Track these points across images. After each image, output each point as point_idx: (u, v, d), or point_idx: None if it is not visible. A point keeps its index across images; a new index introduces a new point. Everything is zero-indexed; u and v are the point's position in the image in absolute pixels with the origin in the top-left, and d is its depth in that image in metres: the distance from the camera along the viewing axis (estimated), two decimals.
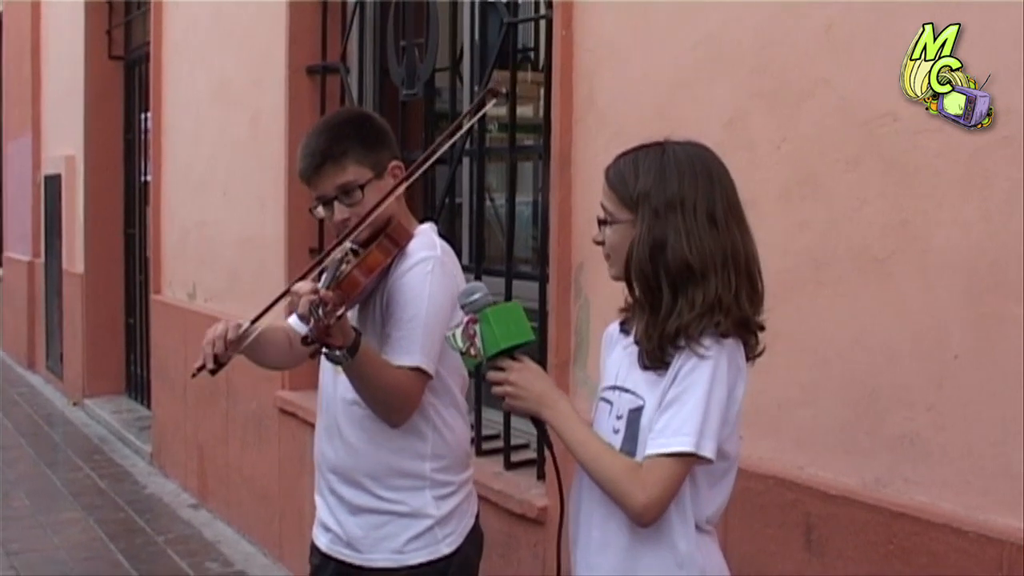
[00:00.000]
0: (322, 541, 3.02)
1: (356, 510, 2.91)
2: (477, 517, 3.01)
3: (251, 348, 2.84)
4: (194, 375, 2.81)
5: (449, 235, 4.95)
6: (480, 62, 4.70)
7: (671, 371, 2.22)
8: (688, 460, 2.19)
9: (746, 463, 3.07)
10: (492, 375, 2.33)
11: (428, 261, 2.80)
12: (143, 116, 9.41)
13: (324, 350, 2.58)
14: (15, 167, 13.72)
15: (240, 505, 6.76)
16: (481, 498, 4.06)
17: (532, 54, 5.07)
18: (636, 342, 2.32)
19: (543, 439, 2.34)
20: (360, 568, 2.91)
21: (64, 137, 11.18)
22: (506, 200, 4.49)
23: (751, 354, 2.31)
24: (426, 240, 2.89)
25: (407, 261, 2.81)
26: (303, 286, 2.51)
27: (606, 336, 2.50)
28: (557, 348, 3.93)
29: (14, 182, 13.92)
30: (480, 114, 2.86)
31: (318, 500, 3.06)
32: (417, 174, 2.81)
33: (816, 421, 2.97)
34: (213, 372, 2.76)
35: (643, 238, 2.26)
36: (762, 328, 2.31)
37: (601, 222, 2.34)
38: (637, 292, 2.31)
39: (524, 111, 4.95)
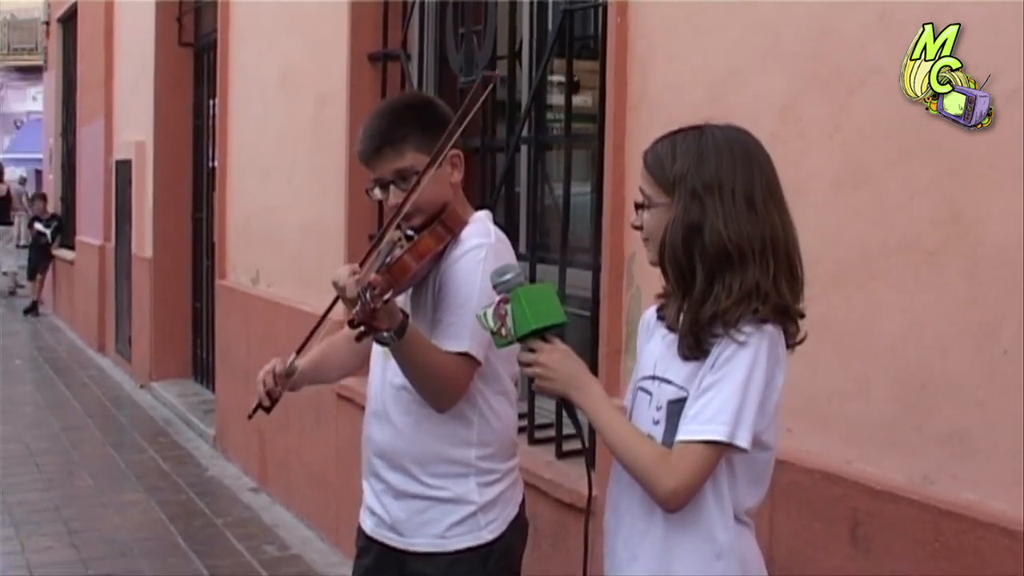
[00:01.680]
0: (367, 524, 3.03)
1: (400, 495, 2.91)
2: (522, 506, 2.99)
3: (309, 377, 2.96)
4: (250, 416, 2.92)
5: (507, 224, 4.95)
6: (538, 49, 4.68)
7: (710, 358, 2.19)
8: (720, 449, 2.16)
9: (794, 456, 3.06)
10: (522, 356, 2.32)
11: (481, 248, 2.80)
12: (211, 102, 9.49)
13: (381, 335, 2.59)
14: (88, 152, 13.93)
15: (298, 490, 6.80)
16: (532, 487, 4.07)
17: (592, 42, 5.03)
18: (670, 329, 2.30)
19: (572, 421, 2.33)
20: (402, 551, 2.91)
21: (135, 123, 11.31)
22: (562, 189, 4.47)
23: (791, 342, 2.28)
24: (480, 227, 2.88)
25: (460, 248, 2.81)
26: (343, 270, 2.52)
27: (643, 322, 2.48)
28: (608, 337, 3.91)
29: (87, 167, 14.12)
30: (480, 102, 2.81)
31: (365, 484, 3.07)
32: (436, 164, 2.77)
33: (865, 415, 2.93)
34: (268, 410, 2.88)
35: (678, 221, 2.22)
36: (802, 315, 2.28)
37: (639, 206, 2.32)
38: (670, 276, 2.28)
39: (585, 100, 4.92)
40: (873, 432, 2.90)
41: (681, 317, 2.26)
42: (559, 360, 2.29)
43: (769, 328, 2.20)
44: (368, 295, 2.42)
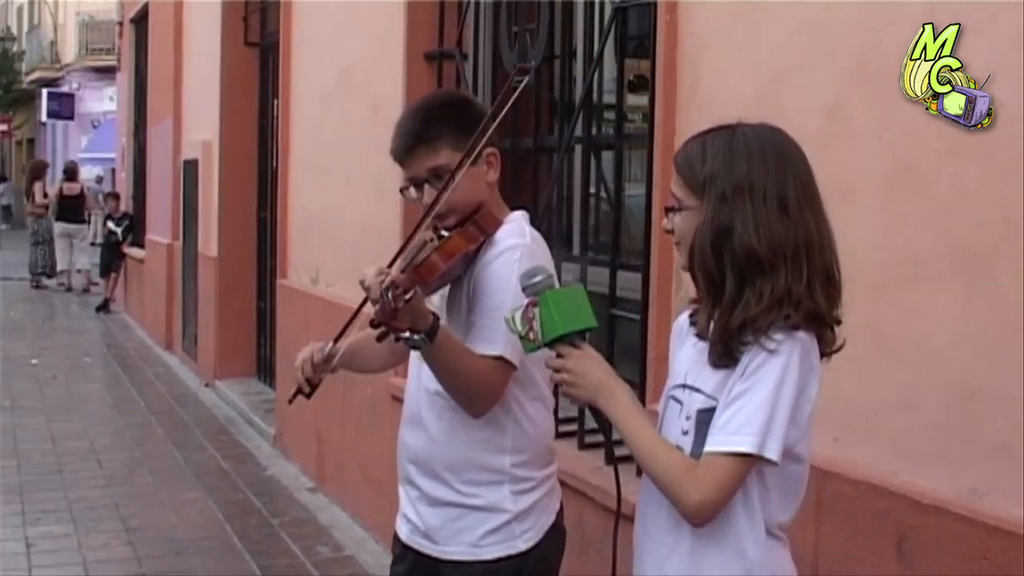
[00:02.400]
0: (403, 531, 2.99)
1: (434, 501, 2.86)
2: (559, 514, 2.93)
3: (346, 363, 2.89)
4: (290, 401, 2.90)
5: (563, 226, 4.89)
6: (591, 48, 4.61)
7: (740, 367, 2.11)
8: (749, 461, 2.08)
9: (839, 467, 2.97)
10: (550, 362, 2.26)
11: (516, 249, 2.73)
12: (275, 102, 9.52)
13: (403, 335, 2.54)
14: (158, 152, 14.06)
15: (354, 490, 6.79)
16: (579, 493, 4.01)
17: (647, 41, 4.95)
18: (699, 336, 2.22)
19: (602, 430, 2.26)
20: (437, 559, 2.86)
21: (202, 122, 11.39)
22: (613, 190, 4.40)
23: (827, 350, 2.19)
24: (515, 228, 2.82)
25: (494, 249, 2.75)
26: (371, 270, 2.48)
27: (676, 328, 2.40)
28: (656, 342, 3.84)
29: (157, 166, 14.26)
30: (516, 93, 2.75)
31: (400, 490, 3.03)
32: (470, 161, 2.72)
33: (912, 425, 2.83)
34: (308, 396, 2.86)
35: (707, 224, 2.15)
36: (839, 322, 2.19)
37: (669, 209, 2.24)
38: (700, 281, 2.20)
39: (642, 100, 4.84)
40: (921, 443, 2.80)
41: (711, 324, 2.18)
42: (587, 366, 2.23)
43: (801, 335, 2.11)
44: (390, 294, 2.37)
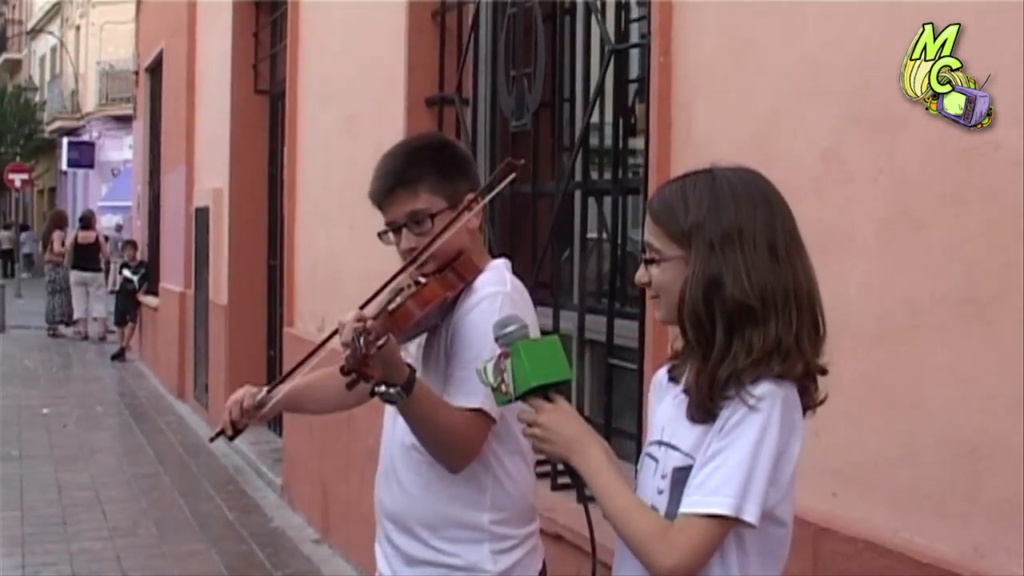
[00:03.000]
0: None
1: (411, 561, 2.75)
2: (543, 573, 2.80)
3: (290, 406, 2.83)
4: (212, 439, 2.84)
5: (558, 272, 4.78)
6: (585, 92, 4.52)
7: (718, 422, 2.00)
8: (726, 523, 1.96)
9: (837, 524, 2.85)
10: (522, 415, 2.15)
11: (496, 297, 2.63)
12: (283, 149, 9.46)
13: (378, 389, 2.44)
14: (171, 199, 14.04)
15: (359, 542, 6.65)
16: (556, 537, 3.87)
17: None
18: (685, 391, 2.10)
19: (576, 487, 2.14)
20: None
21: (213, 170, 11.35)
22: (608, 236, 4.30)
23: (811, 403, 2.07)
24: (496, 276, 2.72)
25: (473, 297, 2.65)
26: (350, 315, 2.38)
27: (654, 383, 2.29)
28: None
29: (170, 214, 14.24)
30: (499, 189, 2.68)
31: (376, 549, 2.92)
32: (461, 221, 2.63)
33: (913, 481, 2.71)
34: (231, 438, 2.81)
35: (697, 276, 2.03)
36: (824, 372, 2.06)
37: (647, 261, 2.12)
38: (690, 335, 2.08)
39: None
40: (921, 499, 2.68)
41: (696, 377, 2.06)
42: (560, 421, 2.12)
43: (784, 390, 1.99)
44: (362, 340, 2.27)
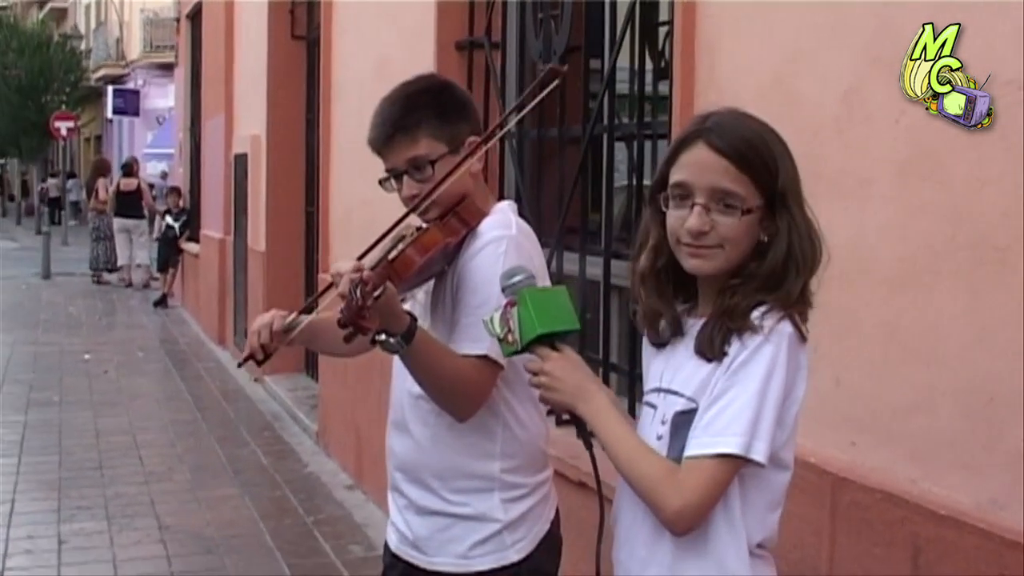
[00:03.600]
0: (392, 540, 2.85)
1: (422, 511, 2.71)
2: (555, 522, 2.76)
3: (307, 340, 2.72)
4: (240, 364, 2.74)
5: (584, 215, 4.72)
6: (611, 35, 4.44)
7: (724, 363, 1.95)
8: (735, 463, 1.92)
9: (856, 473, 2.81)
10: (528, 364, 2.11)
11: (501, 241, 2.57)
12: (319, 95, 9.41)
13: (378, 337, 2.40)
14: (211, 147, 14.06)
15: None
16: (569, 481, 3.82)
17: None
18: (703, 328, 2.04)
19: (582, 437, 2.10)
20: (425, 571, 2.71)
21: (251, 117, 11.34)
22: (630, 183, 4.23)
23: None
24: (501, 219, 2.65)
25: (478, 241, 2.59)
26: (345, 264, 2.33)
27: (646, 341, 2.23)
28: None
29: (210, 161, 14.26)
30: (542, 95, 2.61)
31: (389, 498, 2.89)
32: (479, 154, 2.59)
33: (931, 430, 2.64)
34: (260, 362, 2.67)
35: (803, 231, 2.02)
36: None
37: (728, 207, 1.99)
38: (768, 285, 2.00)
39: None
40: (939, 449, 2.62)
41: (725, 311, 1.99)
42: (566, 369, 2.08)
43: (791, 333, 1.95)
44: (358, 291, 2.22)
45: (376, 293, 2.26)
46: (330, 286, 2.42)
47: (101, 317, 15.80)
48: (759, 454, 1.91)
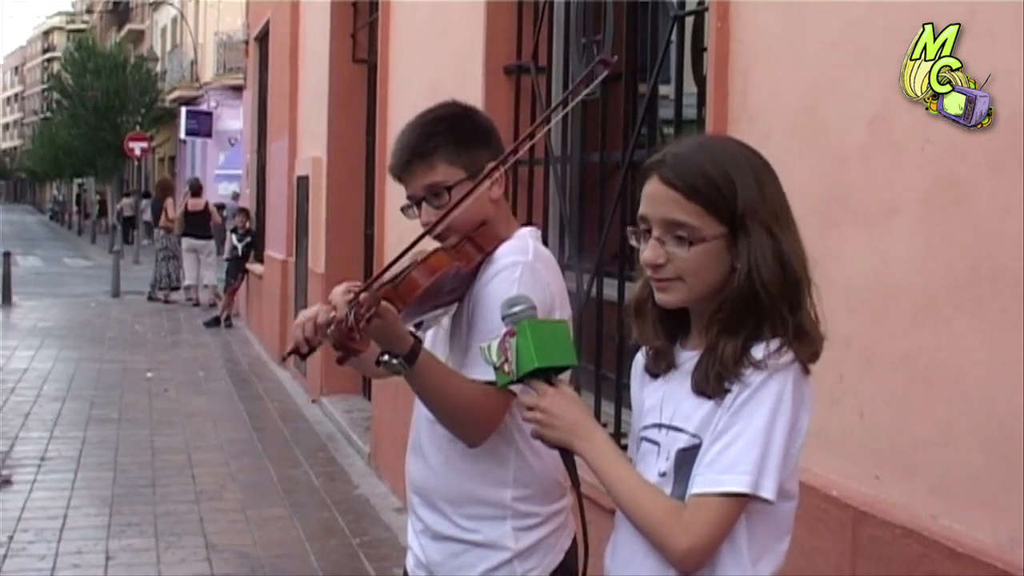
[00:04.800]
0: (409, 563, 2.84)
1: (436, 535, 2.70)
2: (570, 552, 2.72)
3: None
4: (284, 359, 2.70)
5: (624, 240, 4.70)
6: (652, 59, 4.42)
7: (728, 399, 1.92)
8: (742, 501, 1.88)
9: (877, 508, 2.76)
10: (523, 398, 2.09)
11: (516, 267, 2.55)
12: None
13: (384, 359, 2.39)
14: (276, 168, 14.19)
15: None
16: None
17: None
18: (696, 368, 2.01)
19: (571, 477, 2.07)
20: None
21: (314, 139, 11.43)
22: None
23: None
24: (519, 244, 2.63)
25: (493, 267, 2.58)
26: (339, 288, 2.34)
27: (635, 369, 2.20)
28: None
29: (275, 183, 14.39)
30: (593, 86, 2.57)
31: (408, 521, 2.88)
32: (477, 192, 2.57)
33: (952, 466, 2.59)
34: (303, 356, 2.60)
35: (767, 255, 1.93)
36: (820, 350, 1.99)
37: (679, 239, 1.96)
38: (741, 316, 1.95)
39: None
40: (960, 485, 2.56)
41: (723, 351, 1.96)
42: (562, 406, 2.04)
43: (794, 365, 1.92)
44: (352, 315, 2.22)
45: (368, 315, 2.26)
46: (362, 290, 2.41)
47: (166, 335, 15.97)
48: (768, 491, 1.88)
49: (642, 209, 2.01)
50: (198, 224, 19.02)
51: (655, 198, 1.99)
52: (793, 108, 3.20)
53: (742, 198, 1.95)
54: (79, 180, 56.48)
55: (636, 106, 4.60)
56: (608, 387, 4.66)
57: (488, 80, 5.83)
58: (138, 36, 51.11)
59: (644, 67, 4.61)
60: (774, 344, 1.92)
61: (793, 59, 3.23)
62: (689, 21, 4.27)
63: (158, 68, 42.00)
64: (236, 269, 16.88)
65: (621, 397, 4.54)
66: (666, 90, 4.53)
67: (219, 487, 7.81)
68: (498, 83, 5.82)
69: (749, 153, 2.03)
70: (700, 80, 4.28)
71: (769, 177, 2.01)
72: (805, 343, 1.95)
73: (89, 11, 70.63)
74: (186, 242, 19.11)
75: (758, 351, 1.92)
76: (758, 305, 1.93)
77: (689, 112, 4.46)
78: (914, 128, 2.72)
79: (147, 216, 37.34)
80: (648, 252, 2.00)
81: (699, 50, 4.30)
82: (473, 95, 5.98)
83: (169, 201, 20.54)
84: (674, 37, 4.20)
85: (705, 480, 1.90)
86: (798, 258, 1.97)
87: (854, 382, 2.88)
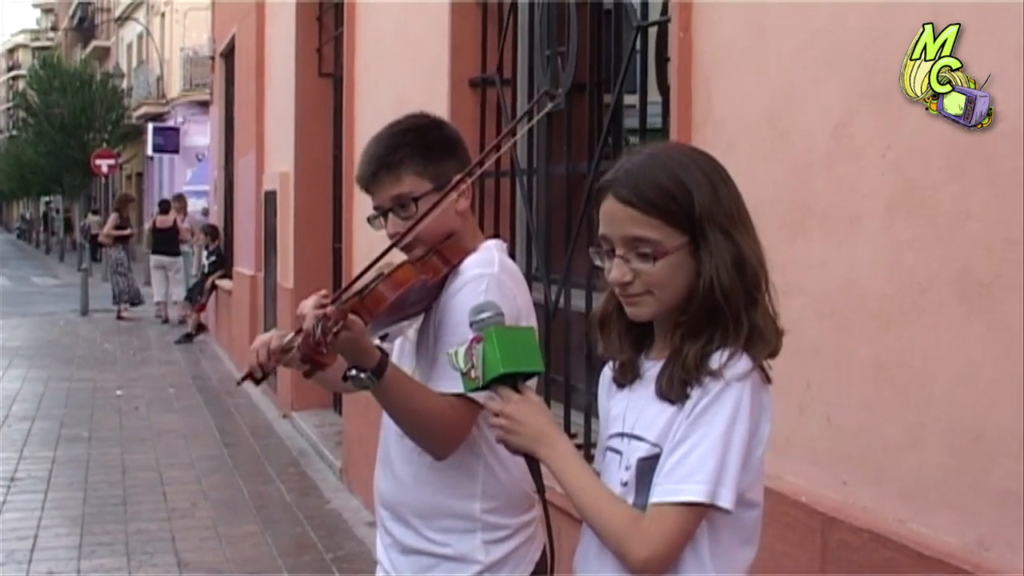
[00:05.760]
0: None
1: (405, 549, 2.70)
2: (540, 562, 2.72)
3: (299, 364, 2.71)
4: (239, 383, 2.71)
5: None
6: (615, 70, 4.44)
7: (687, 407, 1.92)
8: (699, 511, 1.89)
9: (845, 513, 2.77)
10: (488, 404, 2.09)
11: (482, 279, 2.56)
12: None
13: (351, 373, 2.40)
14: (243, 184, 14.15)
15: None
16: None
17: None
18: (659, 375, 2.01)
19: (536, 483, 2.08)
20: None
21: (281, 154, 11.41)
22: None
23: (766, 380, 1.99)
24: (485, 257, 2.64)
25: (459, 279, 2.58)
26: (308, 300, 2.34)
27: (603, 381, 2.21)
28: None
29: (242, 198, 14.35)
30: (536, 118, 2.60)
31: (377, 535, 2.87)
32: (460, 189, 2.58)
33: (920, 469, 2.60)
34: (257, 382, 2.63)
35: (726, 261, 1.94)
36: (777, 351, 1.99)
37: (642, 255, 1.96)
38: (703, 321, 1.95)
39: None
40: (927, 488, 2.58)
41: (684, 356, 1.96)
42: (528, 413, 2.04)
43: (752, 372, 1.92)
44: (319, 328, 2.22)
45: (336, 328, 2.26)
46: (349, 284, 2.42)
47: (135, 353, 15.88)
48: (725, 501, 1.88)
49: (601, 229, 2.01)
50: (166, 241, 18.95)
51: (613, 217, 1.99)
52: (757, 116, 3.22)
53: (698, 204, 1.95)
54: (46, 198, 56.14)
55: (601, 116, 4.61)
56: (578, 397, 4.66)
57: (454, 93, 5.83)
58: (104, 53, 50.86)
59: (608, 77, 4.62)
60: (726, 353, 1.92)
61: (756, 68, 3.24)
62: (652, 31, 4.28)
63: (124, 85, 41.83)
64: (201, 286, 16.87)
65: (591, 407, 4.55)
66: (631, 100, 4.55)
67: (191, 504, 7.77)
68: (463, 96, 5.82)
69: (701, 157, 2.04)
70: (664, 89, 4.29)
71: (722, 179, 2.01)
72: (760, 345, 1.95)
73: (54, 28, 70.34)
74: (154, 259, 19.06)
75: (714, 360, 1.92)
76: (719, 309, 1.94)
77: (654, 121, 4.48)
78: (876, 134, 2.74)
79: None
80: (615, 272, 2.00)
81: (663, 60, 4.31)
82: (439, 108, 5.98)
83: (114, 216, 20.30)
84: (638, 47, 4.21)
85: (663, 490, 1.91)
86: (756, 258, 1.97)
87: (821, 388, 2.89)
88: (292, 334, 2.64)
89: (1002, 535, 2.36)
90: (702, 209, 1.95)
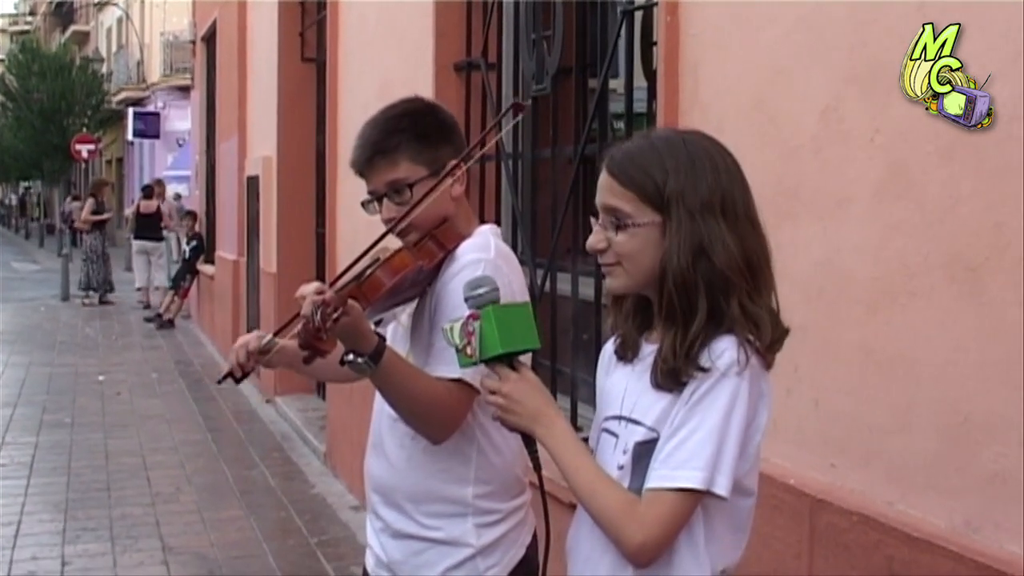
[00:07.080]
0: (369, 563, 2.84)
1: (397, 534, 2.70)
2: (531, 547, 2.73)
3: (284, 361, 2.71)
4: (219, 382, 2.73)
5: (576, 235, 4.71)
6: (601, 54, 4.44)
7: (685, 392, 1.93)
8: (696, 497, 1.89)
9: (834, 495, 2.79)
10: (485, 382, 2.09)
11: (478, 264, 2.55)
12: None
13: (348, 359, 2.40)
14: (225, 169, 14.11)
15: None
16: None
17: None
18: (655, 361, 2.02)
19: (532, 460, 2.08)
20: None
21: (263, 139, 11.38)
22: None
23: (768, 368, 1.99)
24: (480, 242, 2.64)
25: (455, 264, 2.58)
26: (308, 287, 2.34)
27: (602, 358, 2.21)
28: None
29: (224, 183, 14.31)
30: (504, 129, 2.62)
31: (367, 520, 2.88)
32: (456, 176, 2.59)
33: (907, 451, 2.62)
34: (237, 381, 2.66)
35: (683, 243, 1.94)
36: (783, 338, 2.00)
37: (614, 225, 2.01)
38: (675, 304, 1.96)
39: None
40: (915, 471, 2.59)
41: (673, 345, 1.98)
42: (525, 392, 2.05)
43: (753, 361, 1.92)
44: (319, 314, 2.22)
45: (335, 315, 2.26)
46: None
47: (117, 338, 15.84)
48: (721, 488, 1.89)
49: (596, 198, 2.05)
50: (149, 226, 18.88)
51: (601, 187, 2.04)
52: (744, 101, 3.22)
53: (672, 185, 1.96)
54: (25, 183, 55.88)
55: (587, 101, 4.61)
56: (563, 381, 4.68)
57: (438, 77, 5.82)
58: (83, 37, 50.56)
59: (594, 62, 4.62)
60: (721, 341, 1.93)
61: (743, 52, 3.25)
62: (638, 16, 4.29)
63: (104, 69, 41.57)
64: (184, 272, 16.84)
65: (576, 391, 4.56)
66: (616, 84, 4.55)
67: (175, 489, 7.76)
68: (448, 80, 5.82)
69: (699, 145, 2.03)
70: (650, 74, 4.30)
71: (715, 167, 2.00)
72: (754, 334, 1.94)
73: (32, 12, 69.85)
74: (137, 244, 19.00)
75: (703, 353, 1.93)
76: (687, 296, 1.94)
77: (640, 106, 4.49)
78: (864, 119, 2.75)
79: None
80: (592, 237, 2.05)
81: (649, 44, 4.31)
82: (423, 92, 5.94)
83: (90, 201, 20.21)
84: (623, 32, 4.21)
85: (660, 475, 1.91)
86: (726, 250, 1.94)
87: (809, 371, 2.90)
88: (271, 335, 2.66)
89: (989, 517, 2.38)
90: (671, 190, 1.96)
